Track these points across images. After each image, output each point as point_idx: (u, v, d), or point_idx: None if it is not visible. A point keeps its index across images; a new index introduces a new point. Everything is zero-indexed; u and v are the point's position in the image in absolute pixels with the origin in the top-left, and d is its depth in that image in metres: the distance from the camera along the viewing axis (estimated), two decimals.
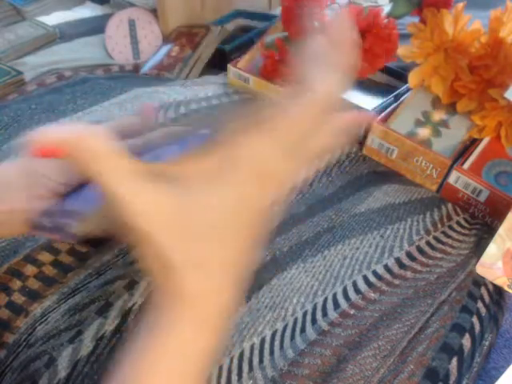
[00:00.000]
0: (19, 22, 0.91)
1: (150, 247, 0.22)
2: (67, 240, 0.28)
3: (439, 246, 0.48)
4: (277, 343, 0.38)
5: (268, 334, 0.39)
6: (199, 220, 0.22)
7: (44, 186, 0.29)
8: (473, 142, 0.54)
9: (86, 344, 0.37)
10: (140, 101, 0.67)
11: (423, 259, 0.46)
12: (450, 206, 0.53)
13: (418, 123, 0.57)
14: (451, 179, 0.52)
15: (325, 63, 0.24)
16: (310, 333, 0.39)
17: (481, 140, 0.54)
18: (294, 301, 0.41)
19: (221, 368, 0.36)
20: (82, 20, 0.96)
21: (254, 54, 0.73)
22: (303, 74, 0.24)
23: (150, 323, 0.23)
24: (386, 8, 0.63)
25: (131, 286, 0.41)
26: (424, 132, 0.56)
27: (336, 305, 0.41)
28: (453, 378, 0.37)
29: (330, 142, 0.29)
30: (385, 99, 0.61)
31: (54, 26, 0.90)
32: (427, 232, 0.49)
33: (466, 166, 0.52)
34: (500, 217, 0.45)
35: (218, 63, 0.78)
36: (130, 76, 0.79)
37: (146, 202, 0.21)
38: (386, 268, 0.45)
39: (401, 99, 0.60)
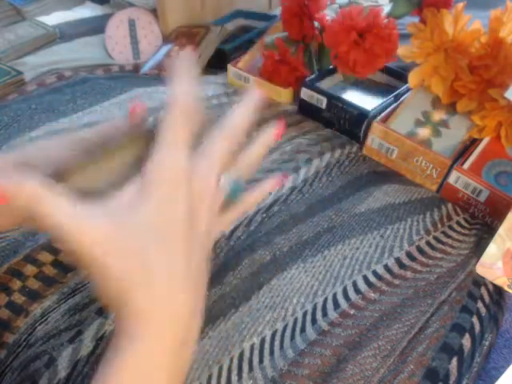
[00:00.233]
0: (19, 22, 0.91)
1: (97, 273, 0.23)
2: None
3: (439, 245, 0.48)
4: (277, 343, 0.38)
5: (268, 334, 0.39)
6: (134, 240, 0.23)
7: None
8: (473, 142, 0.54)
9: (86, 344, 0.37)
10: (140, 101, 0.66)
11: (423, 259, 0.46)
12: (450, 206, 0.53)
13: (418, 123, 0.57)
14: (451, 179, 0.52)
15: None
16: (310, 333, 0.39)
17: (481, 140, 0.54)
18: (294, 301, 0.41)
19: (221, 368, 0.36)
20: (82, 20, 0.96)
21: (254, 54, 0.73)
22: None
23: (112, 344, 0.23)
24: (386, 8, 0.63)
25: None
26: (424, 132, 0.56)
27: (336, 305, 0.41)
28: (453, 377, 0.37)
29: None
30: (385, 99, 0.61)
31: (54, 26, 0.90)
32: (427, 232, 0.49)
33: (466, 165, 0.52)
34: (500, 217, 0.45)
35: (217, 63, 0.78)
36: (130, 76, 0.79)
37: (86, 233, 0.22)
38: (386, 268, 0.45)
39: (401, 99, 0.60)
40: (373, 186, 0.55)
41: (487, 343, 0.41)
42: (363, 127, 0.59)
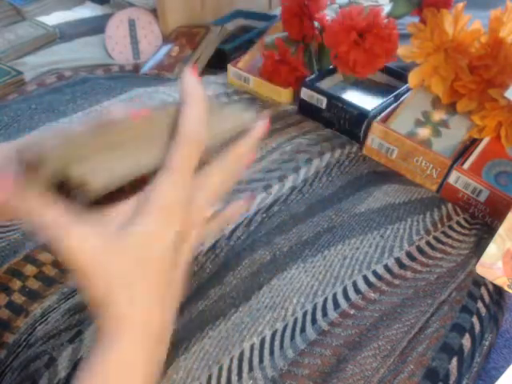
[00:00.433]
0: (19, 22, 0.91)
1: (81, 279, 0.24)
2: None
3: (439, 245, 0.48)
4: (277, 343, 0.38)
5: (268, 333, 0.39)
6: (118, 257, 0.24)
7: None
8: (473, 142, 0.54)
9: (86, 344, 0.37)
10: (140, 101, 0.67)
11: (423, 259, 0.46)
12: (450, 206, 0.53)
13: (418, 123, 0.57)
14: (451, 179, 0.52)
15: None
16: (310, 333, 0.39)
17: (481, 140, 0.54)
18: (294, 301, 0.41)
19: (221, 368, 0.36)
20: (82, 20, 0.96)
21: (254, 54, 0.73)
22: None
23: (95, 349, 0.25)
24: (386, 8, 0.63)
25: None
26: (424, 132, 0.56)
27: (336, 305, 0.41)
28: (453, 377, 0.37)
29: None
30: (385, 99, 0.61)
31: (54, 26, 0.90)
32: (427, 232, 0.49)
33: (466, 166, 0.52)
34: (500, 217, 0.45)
35: (217, 63, 0.78)
36: (130, 76, 0.79)
37: (73, 243, 0.24)
38: (386, 268, 0.45)
39: (401, 99, 0.60)
40: (373, 186, 0.55)
41: (487, 343, 0.41)
42: (363, 127, 0.59)
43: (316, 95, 0.62)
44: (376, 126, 0.56)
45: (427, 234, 0.49)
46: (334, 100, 0.61)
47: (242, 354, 0.37)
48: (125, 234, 0.25)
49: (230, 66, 0.72)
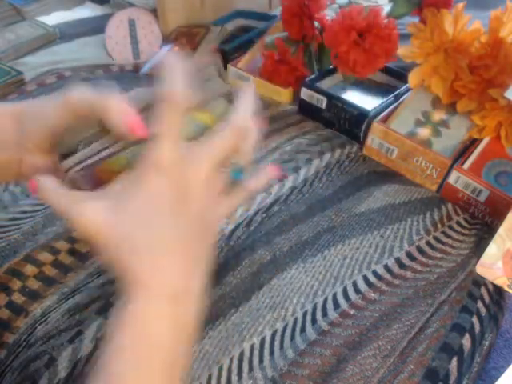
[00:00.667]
0: (19, 22, 0.91)
1: (100, 248, 0.26)
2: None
3: (439, 245, 0.48)
4: (277, 343, 0.38)
5: (268, 334, 0.39)
6: (128, 221, 0.26)
7: (31, 140, 0.31)
8: (473, 142, 0.54)
9: (86, 344, 0.37)
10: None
11: (423, 259, 0.46)
12: (450, 206, 0.53)
13: (418, 123, 0.57)
14: (451, 179, 0.52)
15: None
16: (310, 333, 0.39)
17: (481, 140, 0.54)
18: (294, 301, 0.41)
19: (221, 368, 0.36)
20: (82, 20, 0.96)
21: (254, 53, 0.73)
22: None
23: (115, 312, 0.26)
24: (386, 8, 0.63)
25: None
26: (424, 132, 0.56)
27: (336, 305, 0.41)
28: (453, 377, 0.37)
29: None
30: (385, 99, 0.61)
31: (54, 26, 0.90)
32: (427, 232, 0.49)
33: (466, 166, 0.52)
34: (500, 217, 0.45)
35: None
36: (130, 76, 0.79)
37: (92, 217, 0.26)
38: (386, 268, 0.45)
39: (401, 99, 0.60)
40: (373, 186, 0.55)
41: (487, 343, 0.41)
42: (363, 127, 0.59)
43: (316, 95, 0.62)
44: (376, 126, 0.56)
45: (427, 234, 0.49)
46: (334, 100, 0.61)
47: (242, 354, 0.37)
48: (124, 198, 0.26)
49: (229, 66, 0.72)
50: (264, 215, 0.50)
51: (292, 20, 0.66)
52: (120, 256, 0.26)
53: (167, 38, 0.85)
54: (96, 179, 0.29)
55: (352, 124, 0.60)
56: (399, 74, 0.66)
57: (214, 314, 0.40)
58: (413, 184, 0.56)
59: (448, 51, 0.54)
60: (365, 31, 0.57)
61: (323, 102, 0.62)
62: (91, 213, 0.26)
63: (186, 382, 0.34)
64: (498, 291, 0.44)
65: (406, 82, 0.60)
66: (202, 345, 0.38)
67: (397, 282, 0.44)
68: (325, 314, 0.40)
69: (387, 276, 0.44)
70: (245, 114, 0.30)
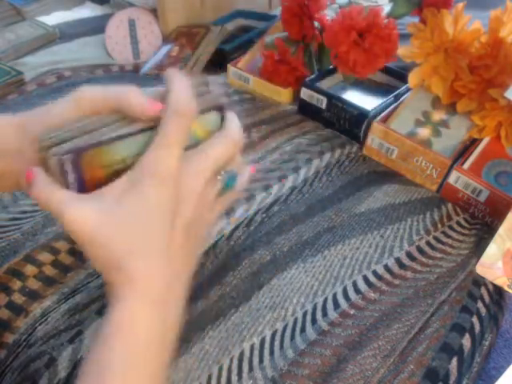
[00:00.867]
0: (19, 22, 0.91)
1: (87, 249, 0.27)
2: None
3: (439, 245, 0.48)
4: (277, 343, 0.38)
5: (268, 334, 0.39)
6: (123, 217, 0.27)
7: (34, 150, 0.30)
8: (473, 142, 0.54)
9: (86, 344, 0.37)
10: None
11: (423, 259, 0.46)
12: (450, 206, 0.53)
13: (418, 123, 0.57)
14: (451, 179, 0.52)
15: None
16: (310, 333, 0.39)
17: (481, 140, 0.54)
18: (294, 301, 0.41)
19: (221, 368, 0.36)
20: (82, 20, 0.96)
21: (254, 53, 0.73)
22: None
23: (105, 313, 0.27)
24: (386, 8, 0.63)
25: None
26: (424, 132, 0.56)
27: (336, 305, 0.41)
28: (453, 377, 0.37)
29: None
30: (385, 99, 0.61)
31: (54, 26, 0.90)
32: (427, 232, 0.49)
33: (466, 166, 0.52)
34: (500, 217, 0.45)
35: (218, 63, 0.78)
36: (130, 76, 0.79)
37: (83, 217, 0.26)
38: (386, 268, 0.45)
39: (401, 99, 0.60)
40: (373, 186, 0.55)
41: (487, 343, 0.41)
42: (363, 127, 0.59)
43: (316, 95, 0.62)
44: (376, 126, 0.56)
45: (427, 234, 0.49)
46: (334, 100, 0.61)
47: (242, 354, 0.37)
48: (121, 203, 0.27)
49: (229, 66, 0.72)
50: (264, 215, 0.50)
51: (292, 20, 0.66)
52: (111, 256, 0.26)
53: (167, 38, 0.85)
54: (82, 167, 0.28)
55: (352, 124, 0.60)
56: (399, 74, 0.66)
57: (214, 314, 0.40)
58: (413, 184, 0.56)
59: (448, 51, 0.54)
60: (365, 31, 0.57)
61: (323, 102, 0.62)
62: (82, 213, 0.26)
63: (185, 381, 0.34)
64: (498, 291, 0.44)
65: (405, 82, 0.60)
66: (202, 345, 0.38)
67: (397, 281, 0.44)
68: (325, 314, 0.40)
69: (387, 276, 0.44)
70: (238, 125, 0.31)
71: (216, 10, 0.88)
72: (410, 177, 0.56)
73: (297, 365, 0.37)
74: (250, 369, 0.36)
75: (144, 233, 0.27)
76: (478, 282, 0.44)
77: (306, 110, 0.65)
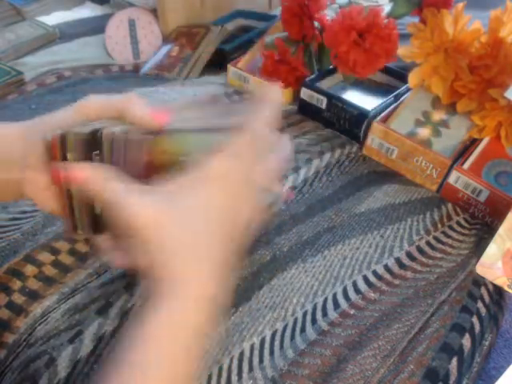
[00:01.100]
0: (19, 22, 0.91)
1: (146, 242, 0.26)
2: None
3: (439, 245, 0.48)
4: (277, 343, 0.38)
5: (268, 333, 0.39)
6: (183, 217, 0.26)
7: (38, 156, 0.30)
8: (473, 142, 0.54)
9: (86, 344, 0.37)
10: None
11: (423, 259, 0.46)
12: (450, 206, 0.53)
13: (418, 123, 0.57)
14: (451, 179, 0.52)
15: None
16: (310, 333, 0.39)
17: (481, 140, 0.54)
18: (294, 301, 0.41)
19: (221, 368, 0.36)
20: (82, 20, 0.96)
21: (254, 53, 0.73)
22: None
23: (140, 310, 0.26)
24: (386, 8, 0.63)
25: (131, 286, 0.41)
26: (424, 132, 0.56)
27: (336, 305, 0.41)
28: (453, 377, 0.37)
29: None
30: (385, 99, 0.61)
31: (54, 26, 0.90)
32: (427, 232, 0.49)
33: (466, 166, 0.52)
34: (500, 217, 0.45)
35: (218, 63, 0.78)
36: (130, 76, 0.79)
37: (142, 211, 0.26)
38: (386, 268, 0.45)
39: (401, 99, 0.60)
40: (373, 186, 0.55)
41: (487, 343, 0.41)
42: (363, 127, 0.59)
43: (316, 95, 0.62)
44: (376, 126, 0.56)
45: (427, 234, 0.49)
46: (334, 100, 0.61)
47: (242, 354, 0.37)
48: (181, 202, 0.27)
49: (229, 66, 0.72)
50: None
51: (292, 20, 0.66)
52: (167, 256, 0.26)
53: (167, 38, 0.85)
54: (144, 152, 0.28)
55: (352, 124, 0.60)
56: (399, 74, 0.66)
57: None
58: (413, 184, 0.56)
59: (448, 51, 0.54)
60: (365, 31, 0.57)
61: (323, 102, 0.62)
62: (141, 207, 0.26)
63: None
64: (498, 291, 0.44)
65: (405, 82, 0.59)
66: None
67: (397, 281, 0.44)
68: (325, 314, 0.40)
69: (387, 276, 0.44)
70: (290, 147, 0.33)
71: (216, 9, 0.88)
72: (410, 177, 0.56)
73: (297, 365, 0.37)
74: (250, 369, 0.36)
75: (197, 231, 0.27)
76: (478, 281, 0.44)
77: (306, 109, 0.65)
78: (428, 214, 0.51)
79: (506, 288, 0.44)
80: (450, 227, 0.50)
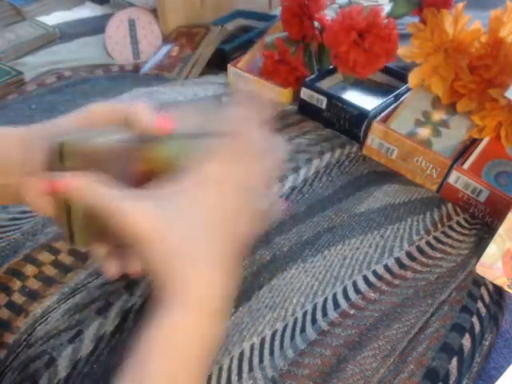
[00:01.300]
0: (19, 22, 0.91)
1: (145, 249, 0.26)
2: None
3: (439, 245, 0.48)
4: (277, 343, 0.38)
5: (268, 333, 0.39)
6: (183, 221, 0.26)
7: (37, 161, 0.30)
8: (473, 142, 0.54)
9: (86, 344, 0.37)
10: (141, 101, 0.67)
11: (423, 259, 0.46)
12: (450, 206, 0.53)
13: (418, 123, 0.57)
14: (451, 179, 0.52)
15: None
16: (310, 333, 0.39)
17: (481, 140, 0.54)
18: (294, 301, 0.41)
19: (221, 368, 0.36)
20: (82, 20, 0.96)
21: (254, 53, 0.73)
22: None
23: (148, 316, 0.25)
24: (386, 8, 0.63)
25: (131, 285, 0.41)
26: (424, 132, 0.56)
27: (336, 305, 0.41)
28: (453, 377, 0.37)
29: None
30: (385, 99, 0.61)
31: (54, 26, 0.90)
32: (427, 232, 0.49)
33: (466, 166, 0.52)
34: (500, 217, 0.45)
35: (218, 63, 0.78)
36: (130, 76, 0.79)
37: (140, 217, 0.26)
38: (386, 268, 0.45)
39: (401, 99, 0.60)
40: (373, 186, 0.55)
41: (487, 343, 0.41)
42: (363, 127, 0.59)
43: (316, 95, 0.62)
44: (376, 126, 0.56)
45: (427, 234, 0.49)
46: (334, 100, 0.61)
47: (242, 354, 0.37)
48: (181, 208, 0.26)
49: (229, 66, 0.72)
50: None
51: (292, 20, 0.66)
52: (167, 263, 0.26)
53: (167, 38, 0.85)
54: (141, 159, 0.28)
55: (352, 124, 0.60)
56: (399, 74, 0.66)
57: None
58: (413, 184, 0.56)
59: (448, 51, 0.54)
60: (365, 31, 0.57)
61: (323, 102, 0.62)
62: (139, 213, 0.26)
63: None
64: (498, 291, 0.44)
65: (405, 82, 0.59)
66: None
67: (397, 281, 0.44)
68: (325, 314, 0.40)
69: (387, 276, 0.44)
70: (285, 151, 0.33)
71: (216, 9, 0.88)
72: (410, 177, 0.56)
73: (297, 365, 0.37)
74: (250, 369, 0.36)
75: (199, 237, 0.26)
76: (478, 282, 0.44)
77: (306, 109, 0.65)
78: (428, 214, 0.51)
79: (506, 288, 0.44)
80: (450, 227, 0.50)
